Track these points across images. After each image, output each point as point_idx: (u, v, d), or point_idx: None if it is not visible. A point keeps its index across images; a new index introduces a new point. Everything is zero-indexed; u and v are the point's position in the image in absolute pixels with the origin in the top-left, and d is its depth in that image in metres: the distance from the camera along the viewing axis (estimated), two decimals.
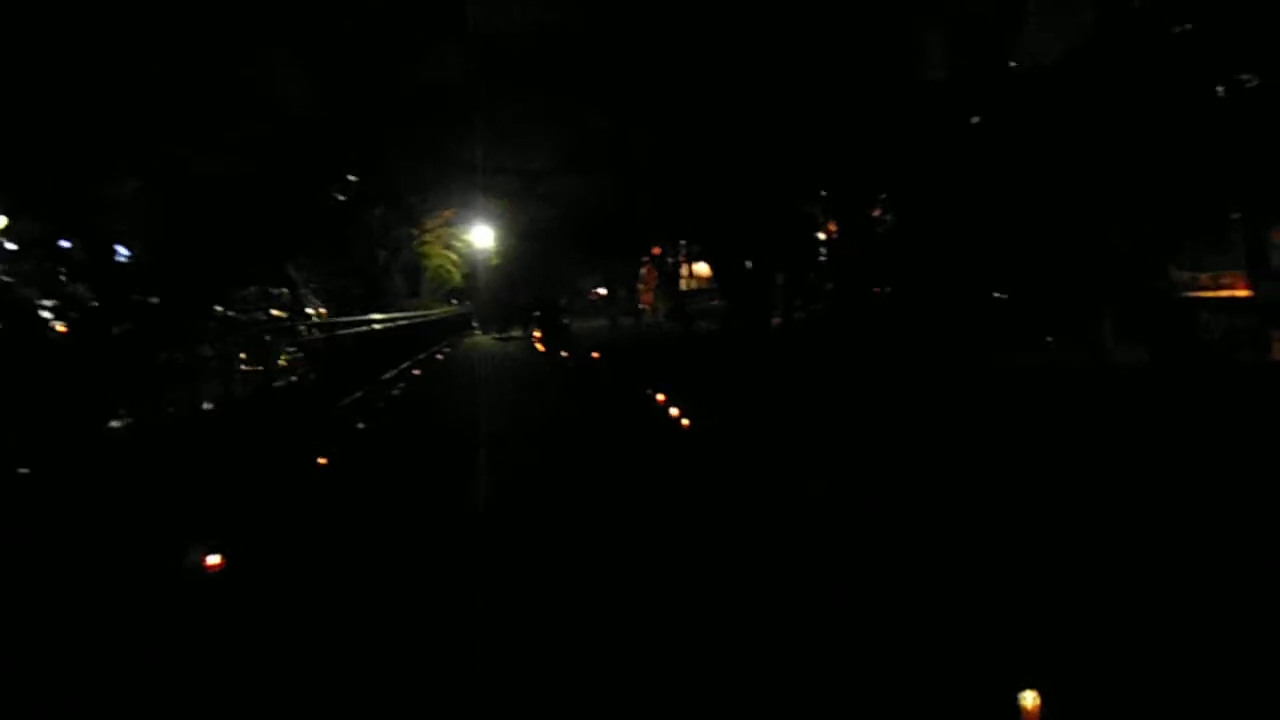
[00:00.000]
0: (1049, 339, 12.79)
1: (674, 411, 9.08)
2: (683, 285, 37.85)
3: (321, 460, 7.20)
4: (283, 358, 19.88)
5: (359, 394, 12.15)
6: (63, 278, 14.78)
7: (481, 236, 35.65)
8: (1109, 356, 11.11)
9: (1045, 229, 11.13)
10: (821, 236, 24.48)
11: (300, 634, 3.62)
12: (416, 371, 17.84)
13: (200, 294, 16.67)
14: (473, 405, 11.59)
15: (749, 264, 24.85)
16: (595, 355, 18.07)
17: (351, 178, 21.35)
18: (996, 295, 12.73)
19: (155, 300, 14.72)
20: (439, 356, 23.09)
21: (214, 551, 4.45)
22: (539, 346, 23.17)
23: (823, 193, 23.46)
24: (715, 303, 34.94)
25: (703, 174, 21.15)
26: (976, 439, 7.11)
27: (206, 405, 14.53)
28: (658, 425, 8.69)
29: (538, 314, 21.92)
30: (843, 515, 5.07)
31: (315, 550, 4.92)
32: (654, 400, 10.05)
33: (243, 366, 18.46)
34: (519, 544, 4.84)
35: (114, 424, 11.43)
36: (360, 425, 9.61)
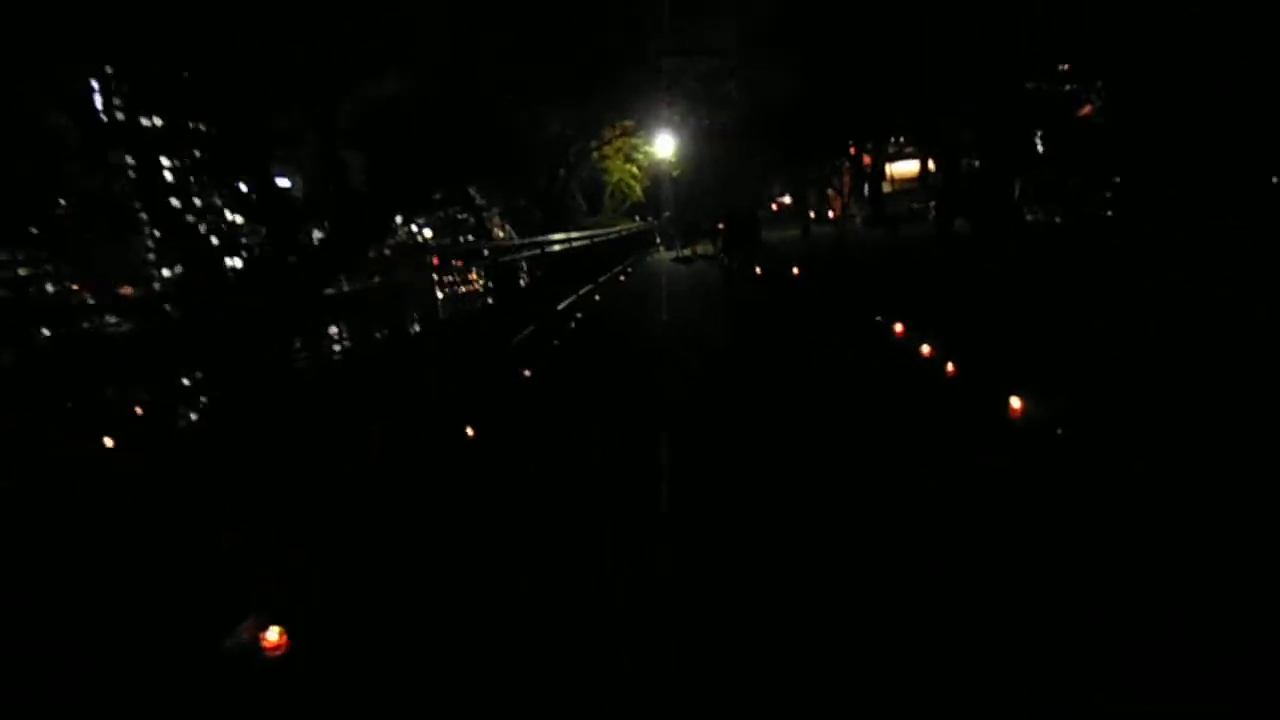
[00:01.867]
0: None
1: (925, 351, 6.73)
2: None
3: (470, 432, 5.62)
4: (475, 280, 19.14)
5: (530, 329, 10.60)
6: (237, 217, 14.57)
7: (663, 146, 33.60)
8: None
9: None
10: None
11: None
12: (596, 297, 16.28)
13: (378, 221, 15.89)
14: (662, 346, 9.26)
15: (975, 162, 21.18)
16: (795, 271, 15.67)
17: (524, 90, 19.82)
18: None
19: (326, 231, 14.04)
20: (621, 279, 21.50)
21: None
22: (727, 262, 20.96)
23: (1063, 66, 19.28)
24: (916, 206, 31.01)
25: (915, 47, 17.69)
26: None
27: (415, 328, 14.00)
28: (912, 373, 6.38)
29: (725, 226, 19.51)
30: None
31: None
32: (892, 333, 7.71)
33: (441, 292, 17.85)
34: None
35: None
36: (527, 373, 8.00)
